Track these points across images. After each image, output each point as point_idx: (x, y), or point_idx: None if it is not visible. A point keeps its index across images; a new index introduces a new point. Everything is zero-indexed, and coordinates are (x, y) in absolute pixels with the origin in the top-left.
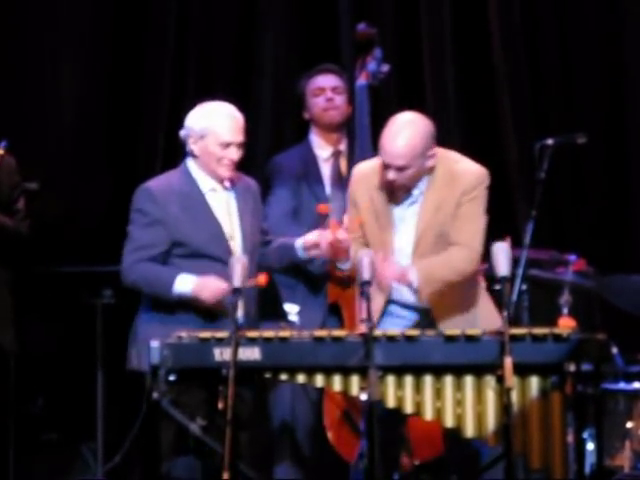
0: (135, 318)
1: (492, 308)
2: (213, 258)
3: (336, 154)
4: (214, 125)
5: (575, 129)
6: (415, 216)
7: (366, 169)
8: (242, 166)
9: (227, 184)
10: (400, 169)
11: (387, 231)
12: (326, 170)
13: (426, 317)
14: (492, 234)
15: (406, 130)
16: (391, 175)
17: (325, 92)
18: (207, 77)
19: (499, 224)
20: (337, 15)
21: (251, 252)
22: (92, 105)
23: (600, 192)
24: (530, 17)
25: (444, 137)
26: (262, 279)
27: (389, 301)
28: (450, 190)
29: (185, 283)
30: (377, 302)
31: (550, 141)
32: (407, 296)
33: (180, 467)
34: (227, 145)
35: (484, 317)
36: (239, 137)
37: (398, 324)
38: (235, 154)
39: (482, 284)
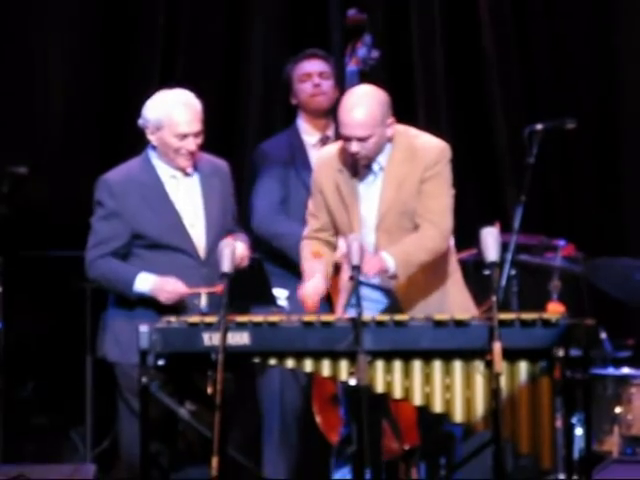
0: (104, 311)
1: (464, 292)
2: (173, 248)
3: (324, 140)
4: (169, 116)
5: (564, 114)
6: (377, 192)
7: (327, 154)
8: (233, 152)
9: (189, 170)
10: (362, 139)
11: (352, 210)
12: (314, 156)
13: (392, 299)
14: (481, 219)
15: (363, 100)
16: (354, 147)
17: (312, 78)
18: (196, 63)
19: (488, 209)
20: (327, 1)
21: (218, 237)
22: (81, 89)
23: (589, 177)
24: (520, 2)
25: (433, 123)
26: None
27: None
28: (411, 165)
29: (145, 282)
30: (346, 285)
31: (539, 126)
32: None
33: None
34: (184, 136)
35: (453, 300)
36: (196, 127)
37: (370, 307)
38: (192, 144)
39: (454, 266)
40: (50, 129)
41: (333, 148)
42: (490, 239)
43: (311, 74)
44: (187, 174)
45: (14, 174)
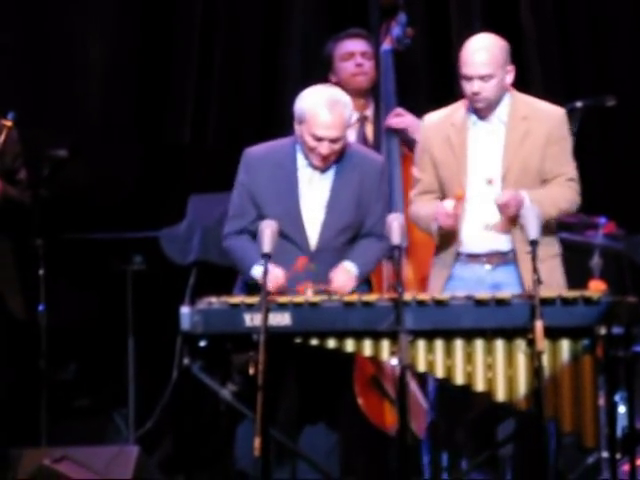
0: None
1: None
2: (285, 236)
3: (362, 119)
4: (312, 114)
5: (604, 92)
6: (498, 145)
7: (437, 116)
8: (272, 136)
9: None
10: (483, 78)
11: (462, 159)
12: (352, 136)
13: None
14: None
15: (486, 43)
16: (476, 87)
17: (354, 57)
18: (235, 45)
19: None
20: None
21: (339, 234)
22: (121, 72)
23: (630, 154)
24: None
25: None
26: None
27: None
28: (535, 123)
29: (259, 268)
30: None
31: (579, 104)
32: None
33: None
34: (319, 139)
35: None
36: (334, 133)
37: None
38: (326, 149)
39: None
40: (89, 112)
41: (441, 112)
42: (531, 217)
43: (354, 53)
44: (323, 169)
45: (54, 157)
